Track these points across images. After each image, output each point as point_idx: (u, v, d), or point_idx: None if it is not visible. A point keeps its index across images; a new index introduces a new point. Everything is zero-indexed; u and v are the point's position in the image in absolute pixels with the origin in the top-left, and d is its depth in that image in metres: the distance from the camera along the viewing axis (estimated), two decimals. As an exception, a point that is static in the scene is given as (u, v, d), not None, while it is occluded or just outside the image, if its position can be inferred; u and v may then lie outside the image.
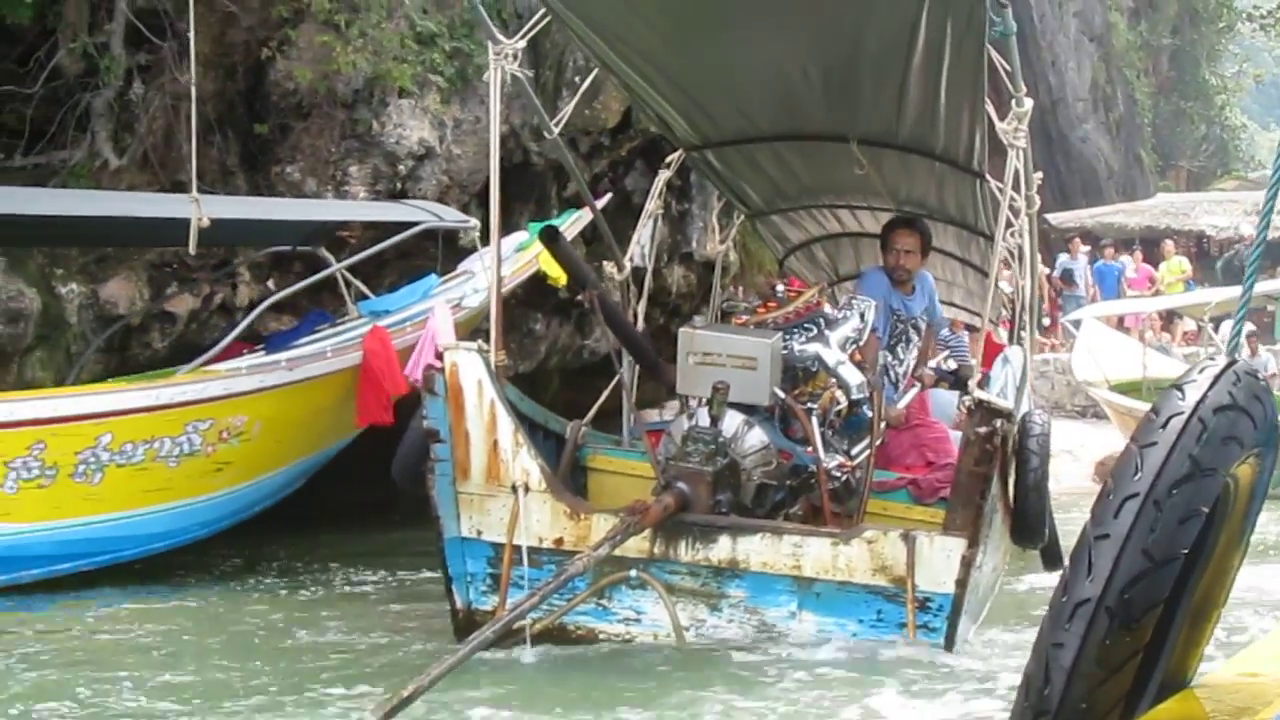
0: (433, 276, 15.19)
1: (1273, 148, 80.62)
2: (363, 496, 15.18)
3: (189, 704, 8.64)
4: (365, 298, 15.41)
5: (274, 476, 14.48)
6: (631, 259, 12.78)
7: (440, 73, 16.33)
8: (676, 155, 13.20)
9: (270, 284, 16.31)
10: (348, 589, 13.38)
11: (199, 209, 13.24)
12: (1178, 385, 3.92)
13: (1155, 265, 35.10)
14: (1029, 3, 42.24)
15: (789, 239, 15.53)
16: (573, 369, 18.86)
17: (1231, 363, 4.25)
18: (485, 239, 13.37)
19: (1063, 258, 34.99)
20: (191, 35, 13.67)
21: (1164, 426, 3.87)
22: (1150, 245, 35.81)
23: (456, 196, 16.53)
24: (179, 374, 13.91)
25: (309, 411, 14.18)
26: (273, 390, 13.90)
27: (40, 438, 12.43)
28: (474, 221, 14.66)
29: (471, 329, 14.43)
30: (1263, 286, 27.00)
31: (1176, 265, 34.52)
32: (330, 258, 15.23)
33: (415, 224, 14.59)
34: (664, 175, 13.20)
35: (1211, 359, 4.43)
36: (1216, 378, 4.13)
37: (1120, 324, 32.32)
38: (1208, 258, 35.99)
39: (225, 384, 13.70)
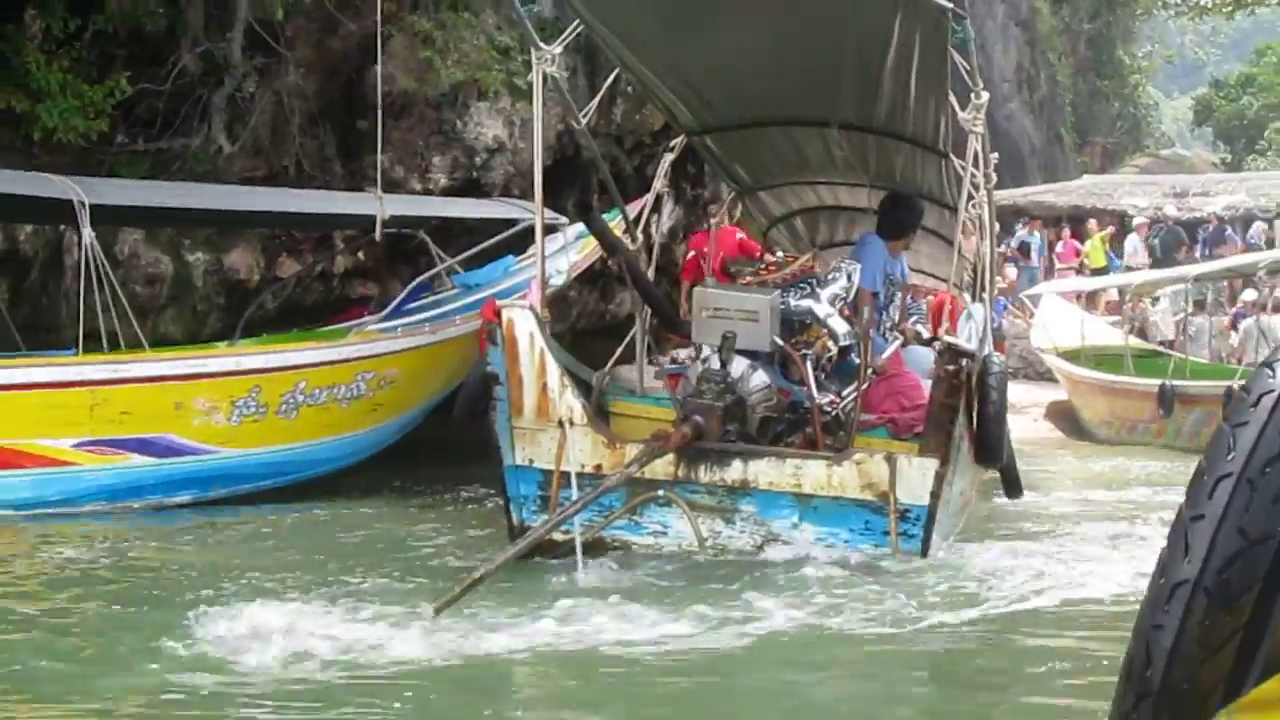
0: (510, 257, 15.58)
1: (1177, 115, 79.38)
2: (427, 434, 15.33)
3: (300, 580, 9.11)
4: (455, 273, 16.00)
5: (410, 414, 15.28)
6: (644, 233, 12.65)
7: (516, 78, 16.20)
8: (679, 139, 13.02)
9: (360, 255, 16.43)
10: (427, 506, 13.56)
11: (382, 206, 14.58)
12: (1268, 364, 3.53)
13: (1081, 241, 34.44)
14: None
15: (773, 213, 15.32)
16: (597, 329, 18.75)
17: None
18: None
19: (1020, 231, 34.33)
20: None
21: (1255, 405, 3.46)
22: (1076, 222, 35.17)
23: (519, 184, 16.54)
24: (351, 334, 15.10)
25: (436, 365, 14.86)
26: (416, 349, 14.86)
27: (257, 383, 13.70)
28: (565, 220, 14.95)
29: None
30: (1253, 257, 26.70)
31: (1100, 239, 33.91)
32: (428, 240, 15.73)
33: (518, 220, 15.05)
34: (668, 157, 13.01)
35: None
36: None
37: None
38: (1129, 235, 35.34)
39: (386, 344, 14.80)
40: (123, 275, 13.94)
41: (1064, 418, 26.16)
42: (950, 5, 9.25)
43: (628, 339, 12.15)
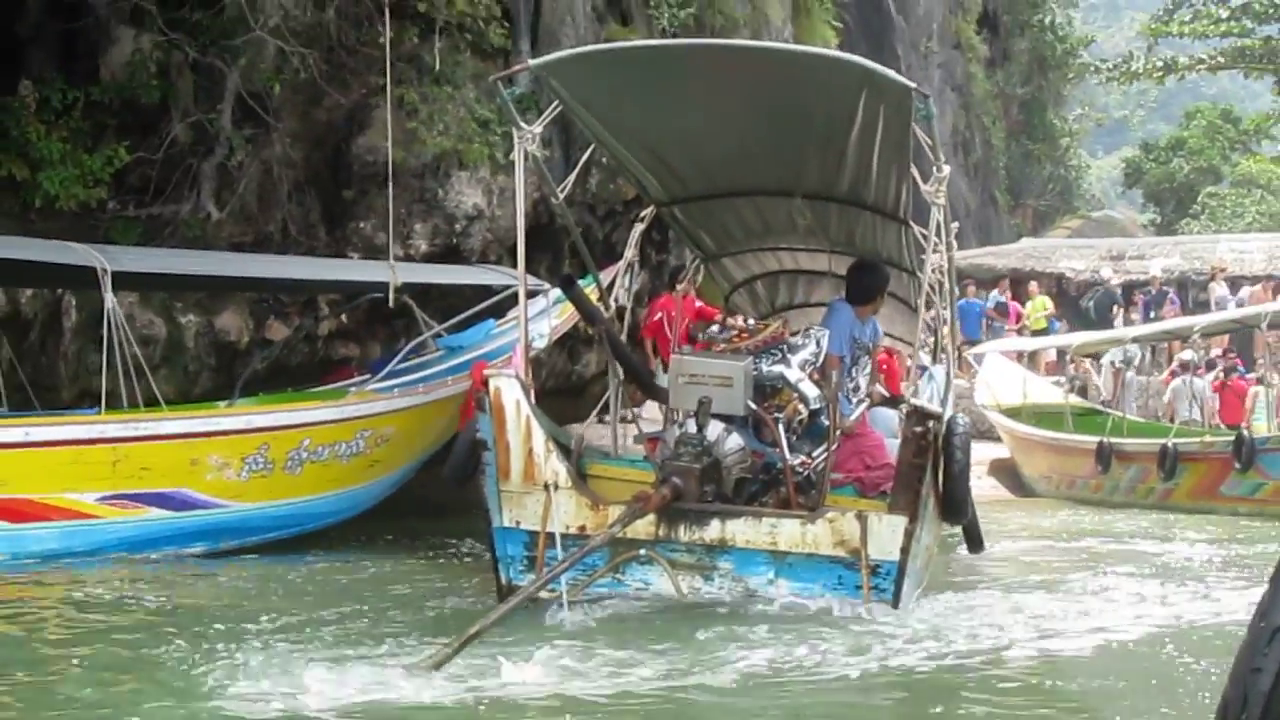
0: (490, 321, 15.89)
1: (1102, 174, 79.40)
2: (419, 493, 15.54)
3: (304, 629, 9.28)
4: (439, 336, 16.25)
5: (403, 470, 15.46)
6: (616, 299, 12.70)
7: (494, 150, 16.27)
8: (649, 210, 13.02)
9: (343, 318, 16.49)
10: (419, 559, 13.64)
11: (395, 274, 14.83)
12: None
13: (1022, 303, 34.29)
14: (898, 55, 40.89)
15: (735, 277, 15.33)
16: (564, 389, 18.81)
17: None
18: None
19: (994, 293, 34.06)
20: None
21: None
22: (1015, 285, 35.07)
23: (496, 250, 16.67)
24: (350, 395, 15.28)
25: (428, 423, 15.10)
26: (410, 409, 15.05)
27: (266, 440, 13.94)
28: (549, 286, 15.09)
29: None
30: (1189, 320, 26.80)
31: (1041, 303, 33.59)
32: (413, 305, 15.84)
33: (506, 287, 15.09)
34: (638, 228, 12.97)
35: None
36: None
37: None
38: (1067, 296, 35.41)
39: (384, 404, 15.00)
40: (120, 336, 13.92)
41: (1006, 473, 26.23)
42: (914, 85, 9.38)
43: (602, 402, 12.20)
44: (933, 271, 11.05)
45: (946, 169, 9.67)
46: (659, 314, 15.59)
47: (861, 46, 31.90)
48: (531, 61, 9.99)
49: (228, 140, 15.61)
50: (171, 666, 7.87)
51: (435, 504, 14.30)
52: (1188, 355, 26.80)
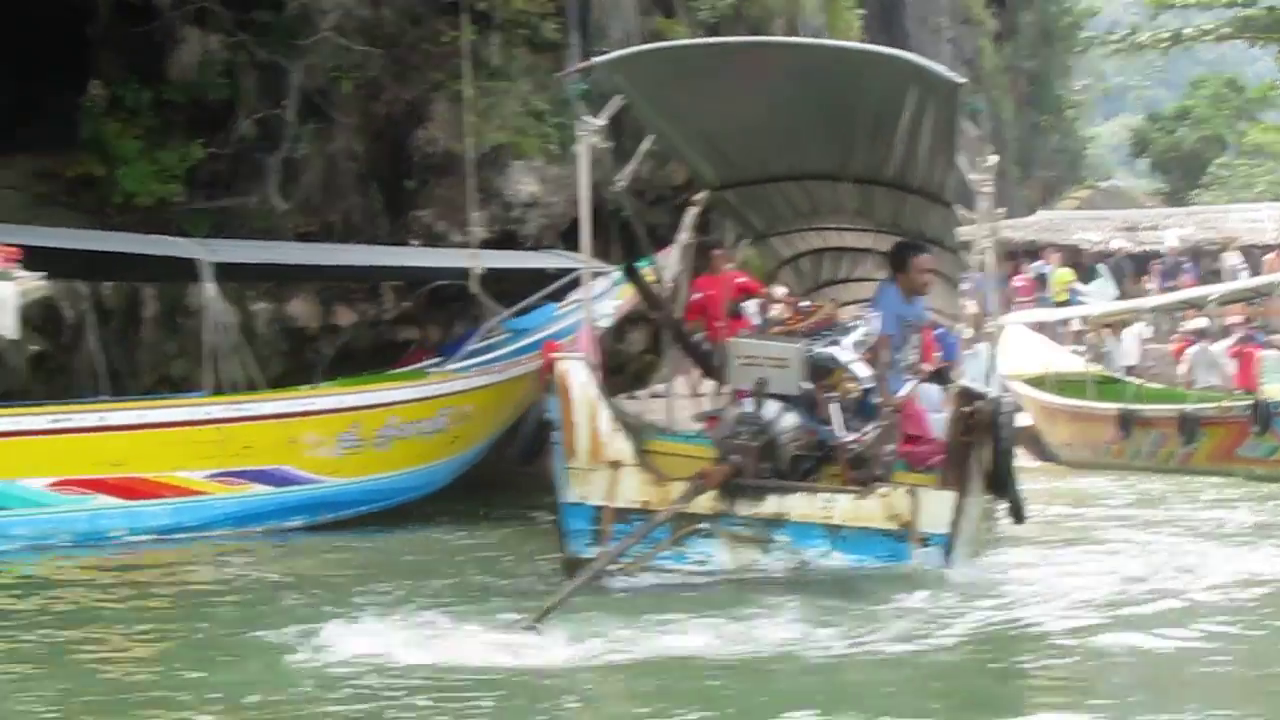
0: (552, 304, 15.84)
1: (1101, 141, 78.22)
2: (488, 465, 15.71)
3: (396, 597, 9.58)
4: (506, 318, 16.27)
5: (480, 446, 15.54)
6: (674, 281, 12.79)
7: (549, 141, 16.29)
8: (703, 194, 13.09)
9: (404, 303, 16.58)
10: (493, 531, 13.88)
11: (476, 261, 14.89)
12: None
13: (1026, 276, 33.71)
14: (908, 32, 40.54)
15: (781, 255, 15.43)
16: (609, 366, 18.80)
17: None
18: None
19: (1037, 263, 33.64)
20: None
21: None
22: (1032, 257, 34.72)
23: (550, 235, 16.70)
24: (430, 375, 15.34)
25: (503, 401, 15.14)
26: (487, 387, 15.17)
27: (356, 419, 14.22)
28: (611, 269, 15.09)
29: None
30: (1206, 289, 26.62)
31: (1064, 275, 33.08)
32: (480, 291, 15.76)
33: (571, 270, 14.96)
34: (692, 211, 13.12)
35: None
36: None
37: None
38: (1082, 268, 35.01)
39: (463, 383, 15.11)
40: (195, 325, 14.08)
41: (1029, 441, 26.14)
42: (963, 80, 9.41)
43: (657, 377, 12.25)
44: (978, 253, 11.14)
45: (994, 159, 9.78)
46: (697, 294, 15.64)
47: (873, 24, 31.66)
48: (600, 58, 10.10)
49: (293, 135, 15.68)
50: (280, 631, 8.09)
51: (508, 478, 14.41)
52: (1202, 323, 26.66)
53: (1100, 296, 31.48)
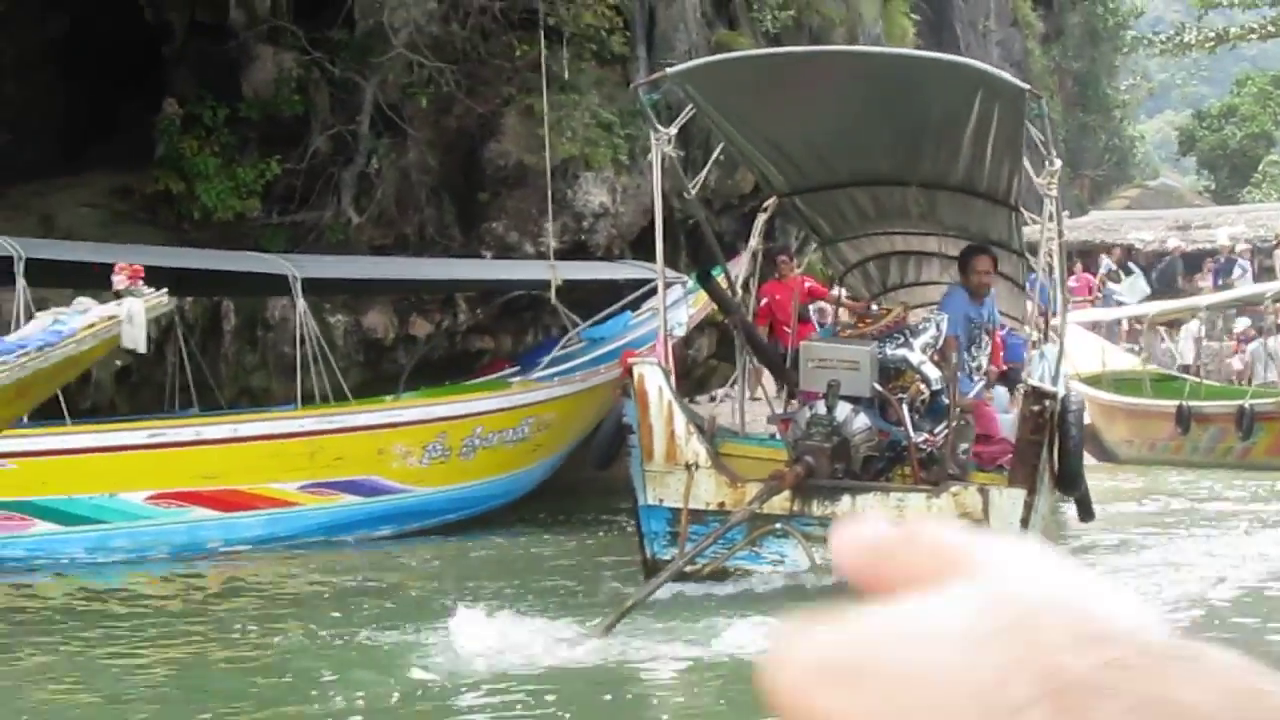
0: (627, 313, 15.98)
1: (1151, 137, 77.32)
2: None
3: (486, 600, 9.64)
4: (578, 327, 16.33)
5: (560, 453, 15.61)
6: (744, 287, 12.85)
7: (618, 152, 16.35)
8: (772, 201, 13.10)
9: (478, 313, 16.64)
10: (573, 536, 13.93)
11: (555, 273, 15.00)
12: None
13: (1094, 274, 33.65)
14: (957, 34, 40.27)
15: (849, 259, 15.42)
16: (679, 373, 18.84)
17: None
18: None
19: (1105, 260, 33.32)
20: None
21: None
22: (1085, 256, 34.38)
23: (619, 244, 16.72)
24: (514, 385, 15.50)
25: (584, 409, 15.10)
26: (569, 395, 15.21)
27: (443, 429, 14.30)
28: (685, 277, 15.10)
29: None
30: (1261, 287, 26.39)
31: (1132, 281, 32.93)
32: (557, 303, 15.88)
33: (646, 280, 15.08)
34: (762, 217, 13.12)
35: None
36: None
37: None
38: (1136, 267, 34.62)
39: (545, 392, 15.22)
40: (274, 338, 14.17)
41: (1088, 439, 25.90)
42: (1028, 86, 9.42)
43: (731, 381, 12.28)
44: (1045, 255, 11.17)
45: (1059, 164, 9.78)
46: (764, 299, 15.66)
47: (924, 29, 31.54)
48: (671, 69, 10.15)
49: (366, 150, 15.78)
50: (375, 633, 8.42)
51: (584, 485, 14.51)
52: (1244, 322, 26.45)
53: (1132, 293, 31.29)
